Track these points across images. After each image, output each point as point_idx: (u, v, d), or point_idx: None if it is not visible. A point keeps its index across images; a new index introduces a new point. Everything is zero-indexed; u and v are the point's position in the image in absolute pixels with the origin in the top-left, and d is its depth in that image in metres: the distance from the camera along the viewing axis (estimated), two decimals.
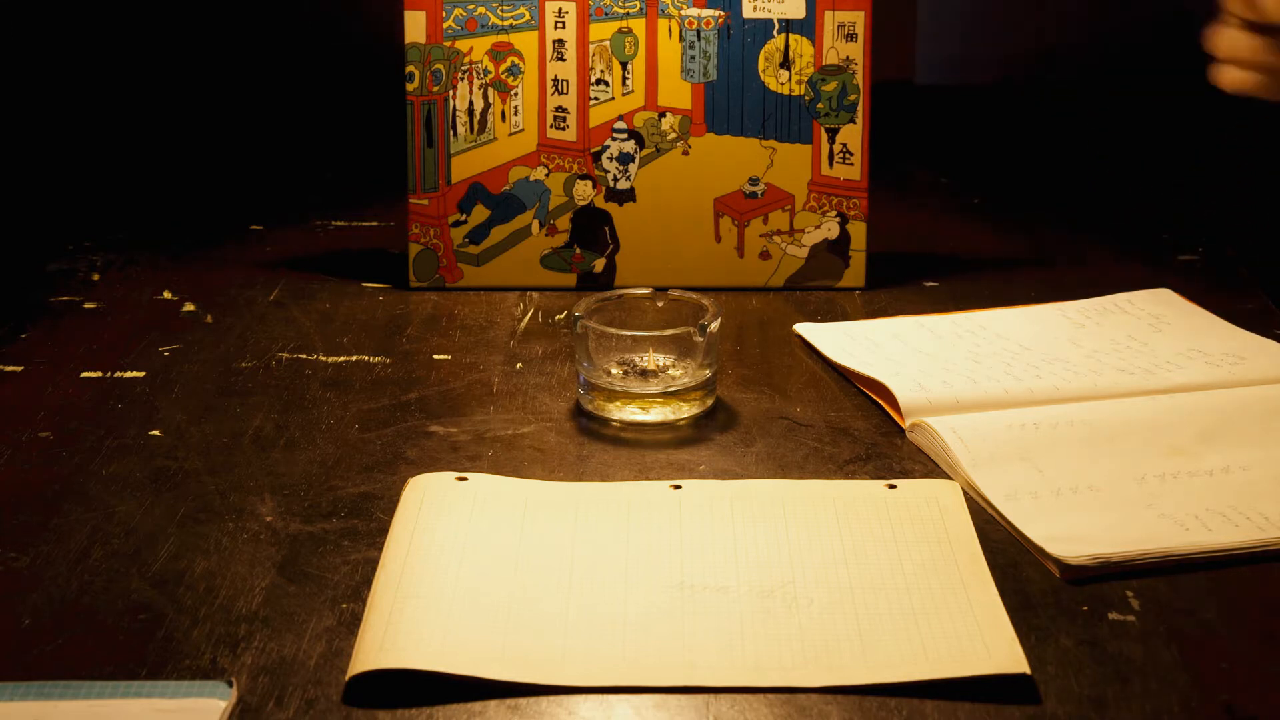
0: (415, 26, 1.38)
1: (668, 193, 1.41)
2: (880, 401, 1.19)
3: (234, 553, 0.99)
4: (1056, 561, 0.97)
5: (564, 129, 1.41)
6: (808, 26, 1.39)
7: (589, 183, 1.41)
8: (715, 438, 1.15)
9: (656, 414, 1.17)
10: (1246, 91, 1.12)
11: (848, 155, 1.40)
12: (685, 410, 1.17)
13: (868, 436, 1.15)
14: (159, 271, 1.47)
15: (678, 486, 1.06)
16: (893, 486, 1.06)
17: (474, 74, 1.39)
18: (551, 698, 0.85)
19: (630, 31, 1.40)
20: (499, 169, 1.41)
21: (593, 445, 1.14)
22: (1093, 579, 0.96)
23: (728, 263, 1.42)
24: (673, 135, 1.41)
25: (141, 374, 1.25)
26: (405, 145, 1.40)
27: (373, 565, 0.97)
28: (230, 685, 0.85)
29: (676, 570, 0.96)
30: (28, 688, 0.85)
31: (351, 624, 0.92)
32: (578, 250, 1.42)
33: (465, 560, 0.96)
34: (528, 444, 1.14)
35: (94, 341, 1.31)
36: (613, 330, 1.19)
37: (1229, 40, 1.11)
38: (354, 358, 1.28)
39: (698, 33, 1.39)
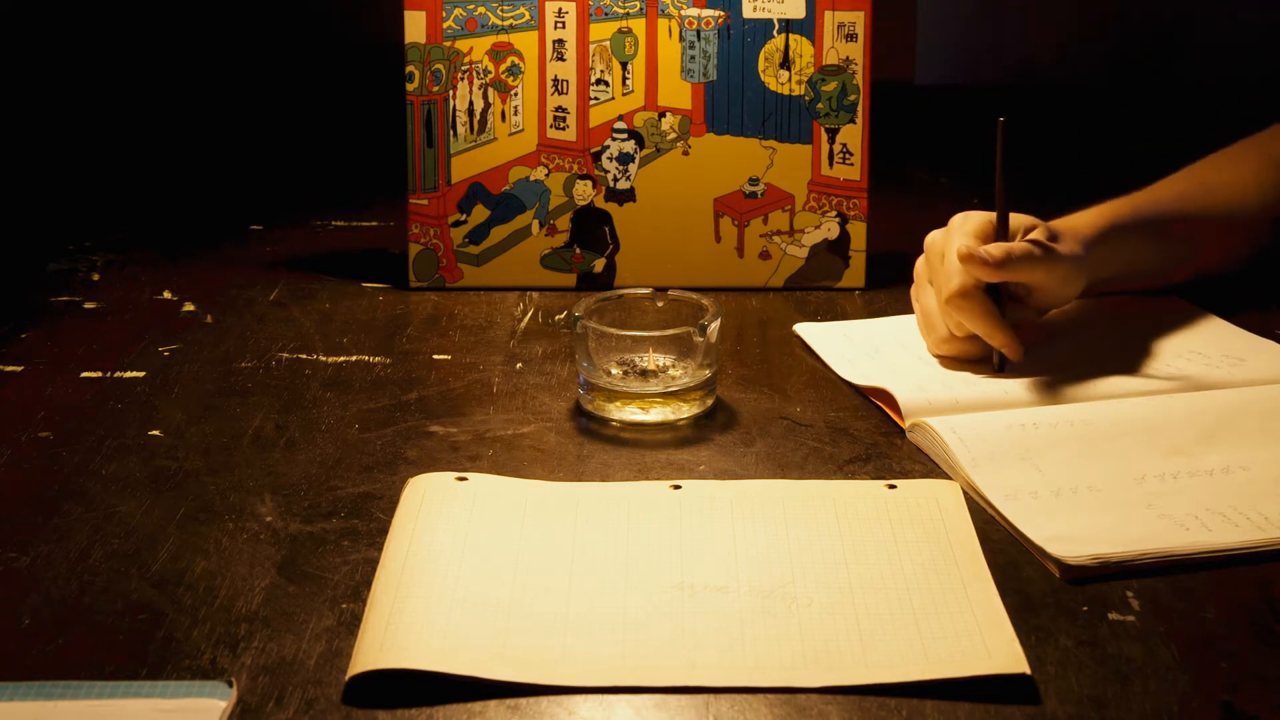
0: (415, 26, 1.38)
1: (668, 193, 1.41)
2: (880, 402, 1.19)
3: (234, 553, 0.99)
4: (1056, 561, 0.96)
5: (564, 129, 1.41)
6: (808, 26, 1.39)
7: (589, 183, 1.41)
8: (715, 438, 1.15)
9: (656, 414, 1.17)
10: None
11: (848, 155, 1.40)
12: (685, 410, 1.17)
13: (868, 436, 1.15)
14: (159, 271, 1.47)
15: (678, 486, 1.06)
16: (893, 486, 1.05)
17: (474, 74, 1.39)
18: (551, 698, 0.85)
19: (630, 31, 1.40)
20: (499, 169, 1.41)
21: (593, 445, 1.14)
22: (1093, 579, 0.96)
23: (728, 263, 1.42)
24: (673, 135, 1.41)
25: (141, 374, 1.25)
26: (405, 145, 1.40)
27: (373, 565, 0.97)
28: (230, 685, 0.85)
29: (676, 570, 0.96)
30: (28, 688, 0.85)
31: (351, 624, 0.91)
32: (578, 250, 1.42)
33: (465, 560, 0.96)
34: (528, 444, 1.14)
35: (94, 341, 1.31)
36: (613, 330, 1.19)
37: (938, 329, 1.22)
38: (354, 358, 1.28)
39: (698, 33, 1.39)
